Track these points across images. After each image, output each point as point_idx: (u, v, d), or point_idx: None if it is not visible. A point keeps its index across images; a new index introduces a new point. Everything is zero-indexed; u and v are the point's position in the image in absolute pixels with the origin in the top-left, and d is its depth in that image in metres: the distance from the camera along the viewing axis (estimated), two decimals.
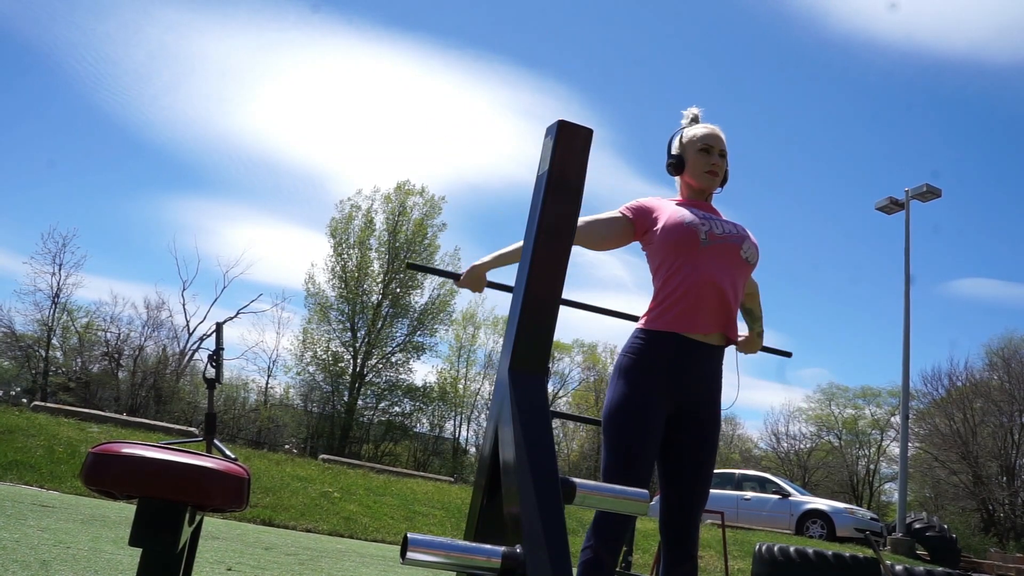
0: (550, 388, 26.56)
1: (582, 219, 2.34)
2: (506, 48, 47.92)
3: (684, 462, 2.29)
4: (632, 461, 2.20)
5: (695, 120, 2.52)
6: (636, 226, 2.38)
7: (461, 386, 31.16)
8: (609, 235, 2.37)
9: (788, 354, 3.31)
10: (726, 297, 2.28)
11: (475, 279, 2.40)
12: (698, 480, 2.30)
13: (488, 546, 1.09)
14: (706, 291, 2.26)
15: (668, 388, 2.24)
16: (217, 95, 37.53)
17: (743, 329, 2.61)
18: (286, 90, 38.85)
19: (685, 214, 2.32)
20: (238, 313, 26.51)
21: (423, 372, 38.83)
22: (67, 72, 34.55)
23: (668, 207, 2.39)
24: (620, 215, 2.39)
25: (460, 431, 31.64)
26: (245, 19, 37.56)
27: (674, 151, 2.49)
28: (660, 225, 2.34)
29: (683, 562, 2.28)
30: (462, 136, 41.54)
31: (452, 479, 16.21)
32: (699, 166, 2.42)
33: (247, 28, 37.06)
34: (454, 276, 2.55)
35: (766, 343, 2.73)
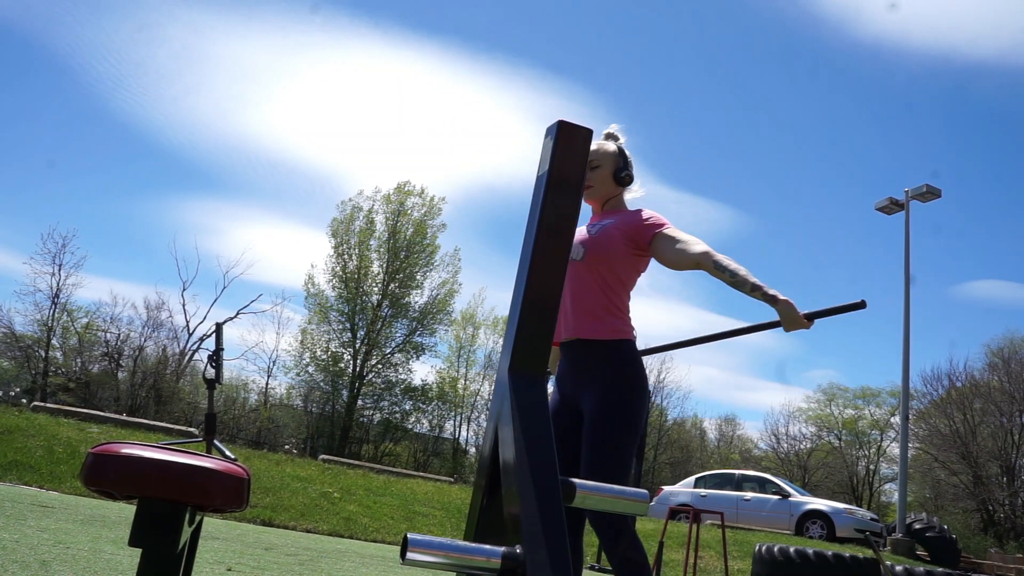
0: (550, 388, 26.37)
1: None
2: (522, 51, 47.94)
3: (580, 453, 2.49)
4: None
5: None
6: None
7: (461, 386, 31.16)
8: None
9: (861, 305, 2.38)
10: (566, 303, 2.55)
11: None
12: (587, 464, 2.39)
13: (488, 546, 1.09)
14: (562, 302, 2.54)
15: (556, 394, 2.59)
16: (230, 96, 37.64)
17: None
18: (298, 91, 38.91)
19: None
20: (238, 313, 26.54)
21: (423, 372, 38.81)
22: (86, 73, 34.62)
23: None
24: None
25: (460, 431, 31.66)
26: (271, 21, 37.65)
27: None
28: None
29: (612, 541, 2.34)
30: (476, 137, 41.56)
31: (452, 479, 16.21)
32: None
33: (267, 30, 37.11)
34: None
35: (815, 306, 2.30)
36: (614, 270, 2.51)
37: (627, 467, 2.43)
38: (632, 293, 2.60)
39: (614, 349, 2.46)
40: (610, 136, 2.71)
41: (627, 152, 2.70)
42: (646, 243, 2.52)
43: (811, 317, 2.28)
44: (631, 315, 2.59)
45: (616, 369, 2.44)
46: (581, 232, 2.62)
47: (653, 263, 2.59)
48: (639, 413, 2.44)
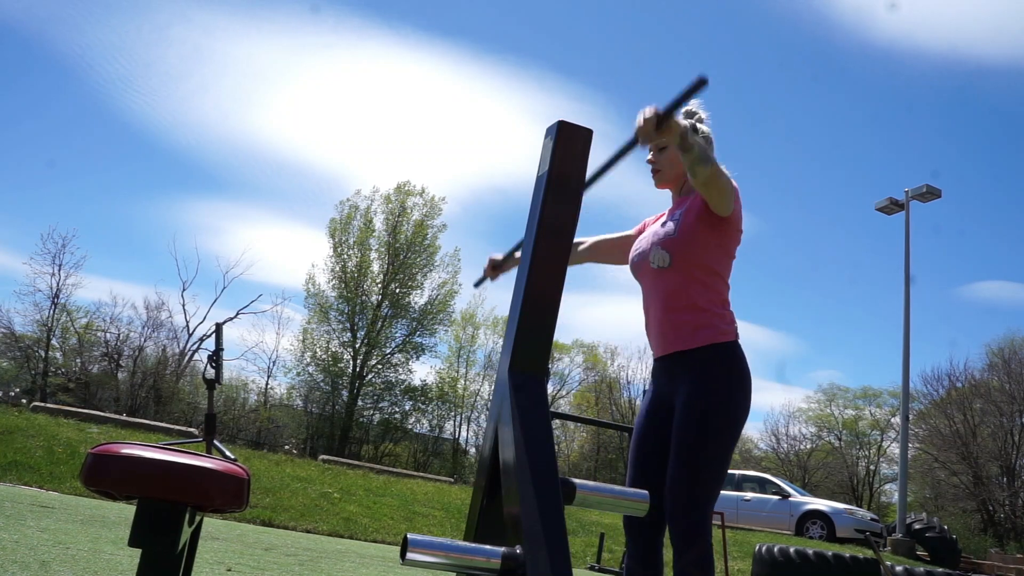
0: (550, 388, 26.43)
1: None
2: (528, 51, 47.94)
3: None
4: (630, 467, 2.36)
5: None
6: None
7: (461, 386, 31.14)
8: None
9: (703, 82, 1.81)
10: (657, 317, 2.29)
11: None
12: (672, 465, 2.17)
13: (488, 547, 1.09)
14: (647, 315, 2.36)
15: (651, 404, 2.35)
16: (234, 97, 37.69)
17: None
18: (302, 91, 38.83)
19: (641, 234, 2.45)
20: (238, 314, 26.51)
21: (422, 372, 38.82)
22: (92, 72, 34.65)
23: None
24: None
25: (460, 431, 31.63)
26: (279, 21, 37.67)
27: None
28: None
29: (685, 544, 2.11)
30: (481, 137, 41.55)
31: (452, 479, 16.20)
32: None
33: (274, 31, 37.13)
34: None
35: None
36: (708, 266, 2.24)
37: (719, 476, 2.14)
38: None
39: (717, 350, 2.21)
40: (688, 113, 2.37)
41: (703, 128, 2.34)
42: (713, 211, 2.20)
43: (660, 120, 1.76)
44: (731, 308, 2.32)
45: (719, 362, 2.19)
46: (659, 231, 2.31)
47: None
48: (738, 411, 2.17)
